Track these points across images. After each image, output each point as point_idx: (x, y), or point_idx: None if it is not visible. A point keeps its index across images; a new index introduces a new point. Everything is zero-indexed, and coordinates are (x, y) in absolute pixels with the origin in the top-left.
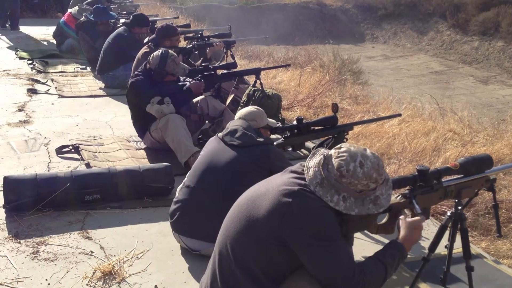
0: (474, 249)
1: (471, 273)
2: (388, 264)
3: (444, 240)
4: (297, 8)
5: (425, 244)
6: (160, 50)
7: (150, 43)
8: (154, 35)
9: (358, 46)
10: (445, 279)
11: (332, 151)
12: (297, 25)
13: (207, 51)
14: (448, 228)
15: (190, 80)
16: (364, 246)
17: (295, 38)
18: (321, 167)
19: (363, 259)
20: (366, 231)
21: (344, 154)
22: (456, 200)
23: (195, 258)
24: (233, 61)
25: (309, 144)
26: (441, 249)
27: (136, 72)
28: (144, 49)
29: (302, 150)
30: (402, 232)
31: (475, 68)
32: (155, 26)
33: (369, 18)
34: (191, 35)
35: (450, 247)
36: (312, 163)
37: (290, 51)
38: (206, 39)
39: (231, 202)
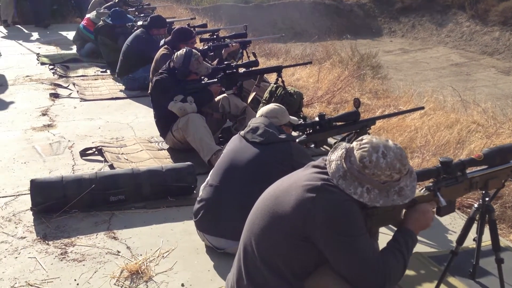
0: (503, 241)
1: (501, 265)
2: (405, 253)
3: (472, 233)
4: (313, 4)
5: (453, 237)
6: (184, 49)
7: (166, 45)
8: (170, 37)
9: (375, 41)
10: (474, 273)
11: (354, 144)
12: (313, 22)
13: (223, 51)
14: (476, 221)
15: (207, 79)
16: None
17: (311, 34)
18: (343, 160)
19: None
20: (391, 226)
21: (366, 145)
22: (483, 192)
23: (220, 256)
24: (254, 59)
25: (331, 140)
26: (469, 242)
27: (160, 70)
28: (161, 51)
29: (324, 146)
30: (410, 217)
31: (496, 59)
32: (173, 27)
33: (386, 12)
34: (207, 35)
35: (478, 240)
36: (334, 156)
37: (308, 48)
38: (221, 40)
39: (254, 199)
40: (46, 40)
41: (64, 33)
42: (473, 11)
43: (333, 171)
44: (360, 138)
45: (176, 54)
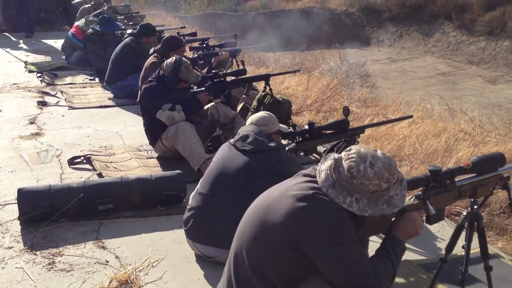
0: (491, 249)
1: (490, 272)
2: (393, 260)
3: (461, 241)
4: (302, 13)
5: (442, 245)
6: (174, 57)
7: (155, 53)
8: (159, 46)
9: (363, 50)
10: (463, 280)
11: (342, 154)
12: (302, 31)
13: (212, 60)
14: (465, 228)
15: (196, 88)
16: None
17: (300, 43)
18: (332, 170)
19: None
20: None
21: (354, 155)
22: (472, 200)
23: (210, 265)
24: (242, 67)
25: (320, 148)
26: (458, 250)
27: (150, 78)
28: (151, 59)
29: (314, 154)
30: (399, 225)
31: (482, 68)
32: (162, 36)
33: (374, 22)
34: (197, 44)
35: (467, 247)
36: (324, 166)
37: (297, 57)
38: (211, 48)
39: (244, 207)
40: (34, 48)
41: (52, 41)
42: (460, 21)
43: (323, 180)
44: (348, 148)
45: (166, 62)
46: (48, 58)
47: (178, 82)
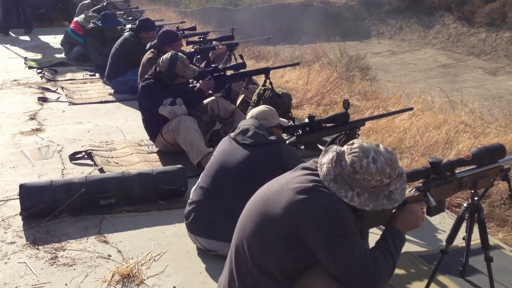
0: (492, 240)
1: (490, 263)
2: (393, 252)
3: (461, 232)
4: (302, 7)
5: (443, 236)
6: (170, 53)
7: (152, 49)
8: (155, 41)
9: (364, 43)
10: (463, 271)
11: (345, 148)
12: (302, 24)
13: (210, 54)
14: (465, 220)
15: (197, 82)
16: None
17: (300, 37)
18: (334, 164)
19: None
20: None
21: (356, 150)
22: (473, 191)
23: (212, 258)
24: (242, 61)
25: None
26: (459, 241)
27: (146, 76)
28: (147, 55)
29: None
30: (399, 217)
31: (483, 60)
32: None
33: (374, 14)
34: (196, 38)
35: (468, 239)
36: (325, 159)
37: (297, 50)
38: (208, 42)
39: (245, 201)
40: (33, 44)
41: (51, 37)
42: (460, 12)
43: (325, 173)
44: (351, 142)
45: (162, 58)
46: (47, 54)
47: (175, 77)
